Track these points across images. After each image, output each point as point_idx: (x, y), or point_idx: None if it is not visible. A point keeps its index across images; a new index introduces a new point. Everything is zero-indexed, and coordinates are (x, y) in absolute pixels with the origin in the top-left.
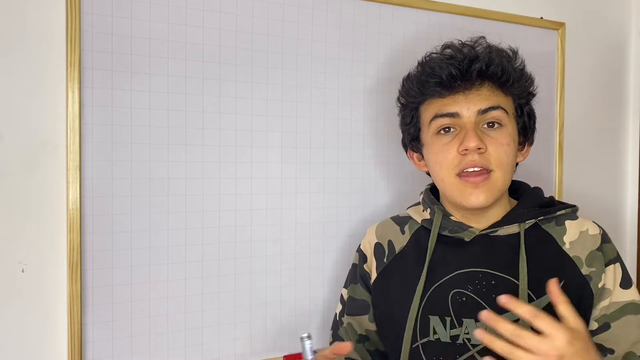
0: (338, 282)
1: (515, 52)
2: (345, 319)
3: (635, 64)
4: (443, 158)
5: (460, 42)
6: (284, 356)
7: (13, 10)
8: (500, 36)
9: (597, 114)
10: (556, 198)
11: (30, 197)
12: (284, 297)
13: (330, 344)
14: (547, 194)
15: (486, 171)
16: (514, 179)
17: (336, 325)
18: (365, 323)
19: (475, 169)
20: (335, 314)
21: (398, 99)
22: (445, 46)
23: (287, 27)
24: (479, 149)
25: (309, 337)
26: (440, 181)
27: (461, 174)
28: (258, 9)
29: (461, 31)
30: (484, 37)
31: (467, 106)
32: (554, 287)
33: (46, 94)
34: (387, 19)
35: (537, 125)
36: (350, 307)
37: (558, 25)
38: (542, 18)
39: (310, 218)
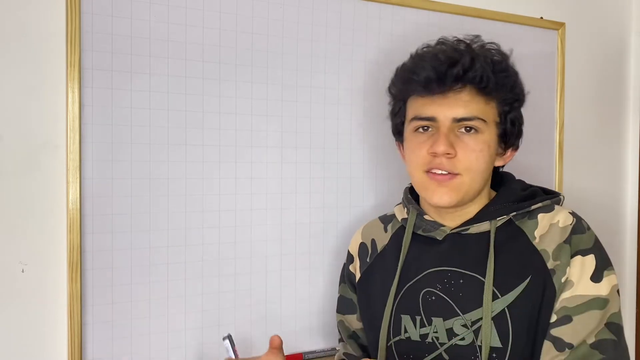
0: (337, 282)
1: (505, 57)
2: (338, 316)
3: (635, 64)
4: (415, 156)
5: (456, 39)
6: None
7: (13, 10)
8: (498, 36)
9: (597, 114)
10: None
11: (30, 197)
12: (284, 297)
13: (339, 340)
14: None
15: (452, 174)
16: (505, 170)
17: (336, 321)
18: (354, 322)
19: (443, 172)
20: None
21: (389, 88)
22: (439, 42)
23: (287, 27)
24: (447, 154)
25: (228, 337)
26: (411, 176)
27: (428, 171)
28: (258, 9)
29: (461, 31)
30: (479, 36)
31: (443, 111)
32: None
33: (46, 94)
34: (387, 19)
35: (537, 126)
36: (340, 305)
37: (558, 25)
38: (542, 18)
39: (310, 218)
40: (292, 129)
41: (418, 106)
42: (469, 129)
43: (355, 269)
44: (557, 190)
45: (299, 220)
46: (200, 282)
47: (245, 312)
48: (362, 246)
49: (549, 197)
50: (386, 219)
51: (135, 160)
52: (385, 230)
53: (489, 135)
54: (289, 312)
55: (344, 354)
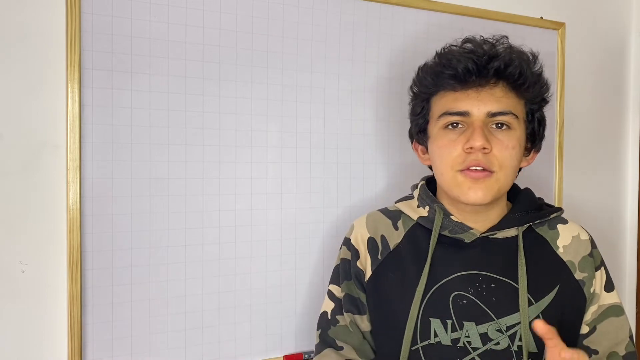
0: None
1: (535, 56)
2: (347, 317)
3: (635, 64)
4: (447, 153)
5: (481, 37)
6: (284, 356)
7: (13, 10)
8: (488, 34)
9: (597, 114)
10: (556, 198)
11: (30, 197)
12: (284, 297)
13: (316, 345)
14: (546, 194)
15: (488, 171)
16: None
17: (326, 324)
18: (364, 324)
19: (478, 167)
20: (326, 312)
21: (411, 87)
22: (466, 40)
23: (287, 27)
24: (484, 148)
25: None
26: (440, 175)
27: (462, 170)
28: (258, 9)
29: (462, 31)
30: (506, 37)
31: (478, 105)
32: (542, 327)
33: (46, 94)
34: (387, 19)
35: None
36: (348, 305)
37: (558, 25)
38: (542, 18)
39: (310, 218)
40: (292, 129)
41: (448, 101)
42: (500, 125)
43: (364, 265)
44: (556, 190)
45: (299, 220)
46: (200, 282)
47: (245, 312)
48: (372, 241)
49: (556, 209)
50: (392, 215)
51: (135, 160)
52: (396, 228)
53: (520, 132)
54: (289, 312)
55: None
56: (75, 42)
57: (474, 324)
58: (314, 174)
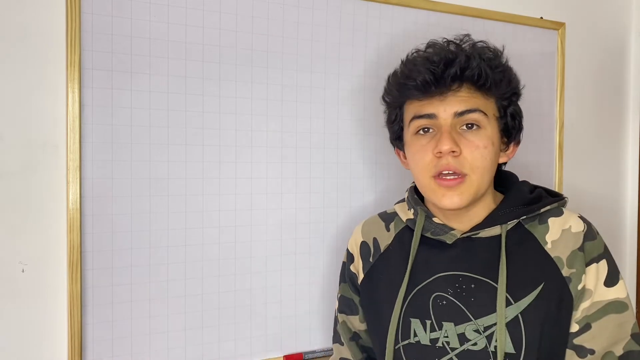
0: (337, 282)
1: (498, 53)
2: (340, 317)
3: (635, 64)
4: (420, 159)
5: (445, 40)
6: (284, 356)
7: (13, 10)
8: (498, 36)
9: (597, 114)
10: None
11: (30, 197)
12: (284, 297)
13: (335, 342)
14: None
15: (461, 175)
16: (505, 169)
17: (335, 322)
18: (356, 323)
19: (449, 171)
20: (335, 309)
21: (383, 97)
22: (429, 45)
23: (287, 27)
24: (452, 152)
25: None
26: (417, 181)
27: (436, 176)
28: (258, 9)
29: (461, 31)
30: (469, 35)
31: (444, 108)
32: None
33: (46, 94)
34: (387, 19)
35: (537, 126)
36: (342, 305)
37: (558, 25)
38: (542, 18)
39: (310, 218)
40: (292, 129)
41: (416, 107)
42: (470, 126)
43: (357, 269)
44: (557, 190)
45: (299, 220)
46: (200, 282)
47: (245, 312)
48: (364, 245)
49: (556, 200)
50: (387, 217)
51: (135, 160)
52: (388, 229)
53: (491, 130)
54: (289, 312)
55: (341, 359)
56: (75, 42)
57: (452, 324)
58: (314, 174)
